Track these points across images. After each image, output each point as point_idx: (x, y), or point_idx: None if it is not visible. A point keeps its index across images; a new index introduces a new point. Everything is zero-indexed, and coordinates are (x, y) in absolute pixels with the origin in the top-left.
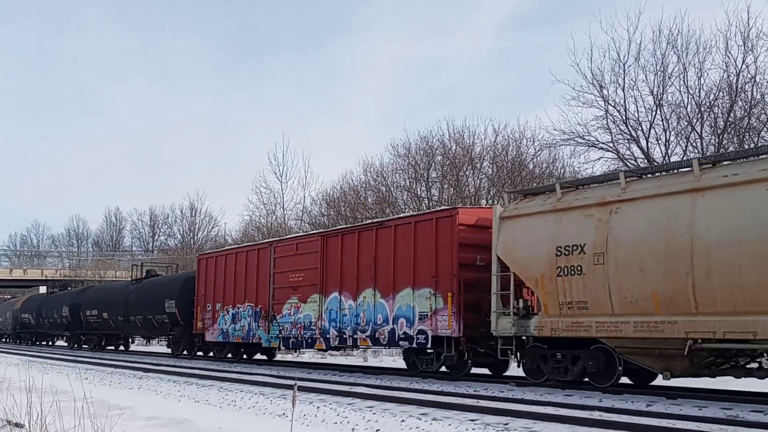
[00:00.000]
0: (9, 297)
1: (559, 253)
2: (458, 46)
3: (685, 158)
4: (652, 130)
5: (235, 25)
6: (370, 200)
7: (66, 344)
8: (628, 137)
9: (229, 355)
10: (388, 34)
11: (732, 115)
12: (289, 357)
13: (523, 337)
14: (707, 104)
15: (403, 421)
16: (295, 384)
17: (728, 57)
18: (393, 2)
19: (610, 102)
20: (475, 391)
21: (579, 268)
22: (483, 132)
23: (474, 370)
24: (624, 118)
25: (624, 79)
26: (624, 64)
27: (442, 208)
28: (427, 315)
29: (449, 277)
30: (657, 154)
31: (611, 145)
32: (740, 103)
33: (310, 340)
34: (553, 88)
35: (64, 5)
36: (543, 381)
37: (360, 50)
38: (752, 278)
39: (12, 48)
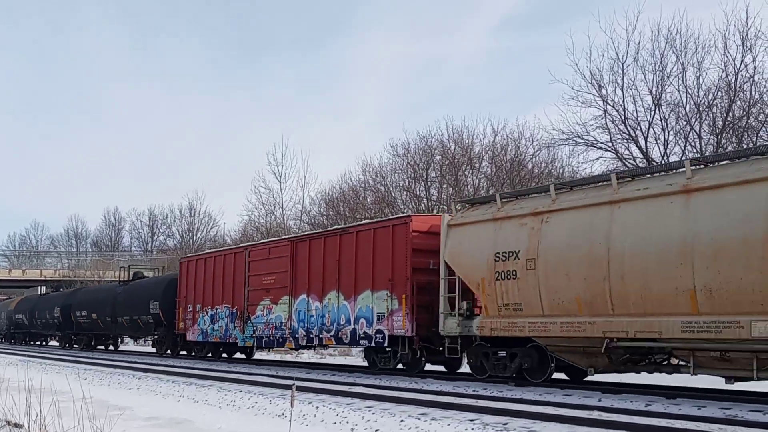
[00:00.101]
0: (5, 298)
1: (497, 259)
2: (458, 46)
3: (604, 172)
4: (651, 129)
5: (234, 25)
6: (369, 200)
7: (58, 344)
8: (627, 137)
9: (209, 354)
10: (388, 34)
11: (731, 114)
12: (289, 357)
13: (472, 337)
14: (706, 104)
15: (402, 421)
16: (294, 384)
17: (727, 56)
18: (393, 2)
19: (609, 102)
20: (474, 390)
21: (514, 273)
22: (482, 132)
23: (428, 367)
24: (623, 117)
25: (623, 79)
26: (623, 64)
27: (398, 216)
28: (384, 316)
29: (404, 280)
30: (656, 153)
31: (610, 144)
32: (739, 102)
33: (281, 340)
34: (552, 87)
35: (64, 5)
36: (486, 377)
37: (360, 50)
38: (657, 283)
39: (12, 48)
